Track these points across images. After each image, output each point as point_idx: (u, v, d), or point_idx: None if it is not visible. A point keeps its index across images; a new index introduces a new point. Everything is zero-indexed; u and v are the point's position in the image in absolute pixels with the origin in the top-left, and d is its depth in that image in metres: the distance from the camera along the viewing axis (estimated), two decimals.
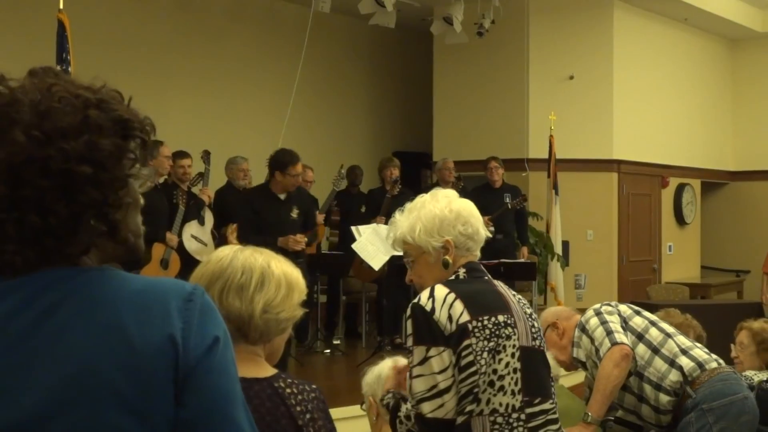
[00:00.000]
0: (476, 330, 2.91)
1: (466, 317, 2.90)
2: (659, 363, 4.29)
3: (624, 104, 13.14)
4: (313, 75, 12.44)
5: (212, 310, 1.62)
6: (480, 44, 12.13)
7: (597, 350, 4.24)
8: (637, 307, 4.57)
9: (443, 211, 3.07)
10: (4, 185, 1.53)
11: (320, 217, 10.41)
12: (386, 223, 10.04)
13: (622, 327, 4.33)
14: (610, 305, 4.49)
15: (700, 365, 4.26)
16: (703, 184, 15.47)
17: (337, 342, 10.44)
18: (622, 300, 9.75)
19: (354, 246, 9.38)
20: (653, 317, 4.51)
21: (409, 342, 2.92)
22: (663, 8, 13.63)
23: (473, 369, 2.90)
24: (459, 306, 2.91)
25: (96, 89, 1.63)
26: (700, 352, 4.34)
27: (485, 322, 2.92)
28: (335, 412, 7.57)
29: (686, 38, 14.61)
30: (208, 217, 9.18)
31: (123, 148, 1.60)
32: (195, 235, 9.06)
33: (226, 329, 1.63)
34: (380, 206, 10.48)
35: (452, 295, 2.93)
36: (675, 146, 14.36)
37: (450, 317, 2.89)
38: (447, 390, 2.89)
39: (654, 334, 4.36)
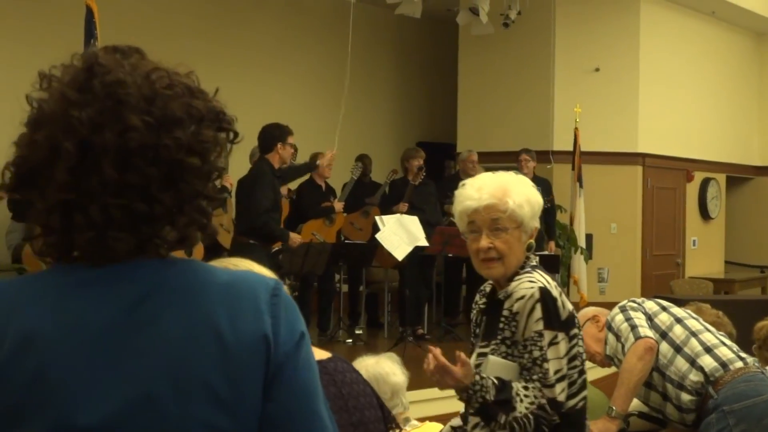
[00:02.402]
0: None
1: (570, 306, 3.05)
2: (680, 362, 4.25)
3: (650, 97, 13.06)
4: (337, 64, 12.42)
5: (294, 305, 1.63)
6: (506, 35, 12.08)
7: (623, 346, 4.23)
8: (665, 303, 4.54)
9: (540, 199, 3.18)
10: (113, 169, 1.50)
11: (339, 206, 10.44)
12: (409, 210, 10.06)
13: (647, 324, 4.31)
14: (635, 302, 4.48)
15: (724, 365, 4.19)
16: (728, 178, 15.37)
17: (359, 332, 10.44)
18: (644, 295, 9.71)
19: (377, 236, 9.37)
20: (682, 313, 4.46)
21: (539, 326, 2.94)
22: (690, 1, 13.54)
23: (577, 361, 3.02)
24: (563, 294, 3.05)
25: (190, 76, 1.63)
26: (726, 350, 4.26)
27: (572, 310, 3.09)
28: None
29: (713, 31, 14.51)
30: (230, 204, 9.20)
31: (219, 140, 1.60)
32: (219, 222, 9.11)
33: (305, 325, 1.64)
34: (403, 195, 10.51)
35: (554, 282, 3.05)
36: (700, 140, 14.28)
37: (563, 304, 3.00)
38: (570, 378, 2.98)
39: (678, 332, 4.32)
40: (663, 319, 4.37)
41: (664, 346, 4.28)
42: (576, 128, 11.83)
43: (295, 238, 8.79)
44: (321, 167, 9.63)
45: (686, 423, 4.27)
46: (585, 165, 11.89)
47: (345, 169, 11.02)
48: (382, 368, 3.82)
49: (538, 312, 2.94)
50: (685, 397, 4.20)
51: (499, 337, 3.01)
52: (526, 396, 2.91)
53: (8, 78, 8.68)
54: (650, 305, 4.46)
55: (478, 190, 3.09)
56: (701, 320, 4.47)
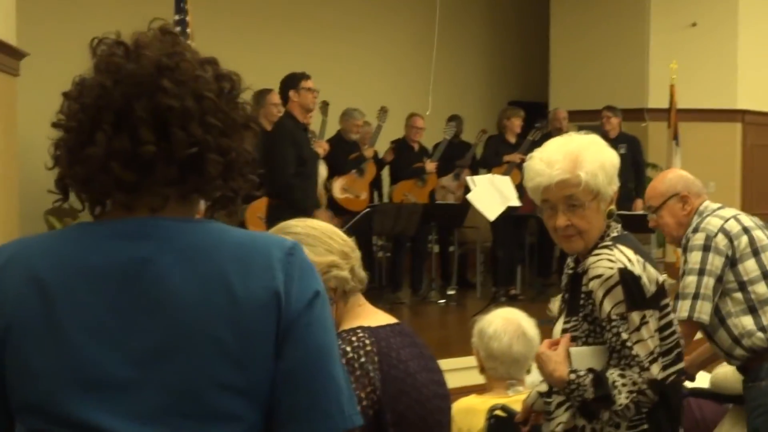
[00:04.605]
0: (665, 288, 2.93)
1: (658, 276, 2.89)
2: (748, 322, 3.97)
3: (749, 52, 12.71)
4: (427, 24, 12.35)
5: (311, 265, 1.64)
6: None
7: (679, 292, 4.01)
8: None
9: (616, 159, 2.97)
10: (150, 132, 1.57)
11: (431, 166, 10.41)
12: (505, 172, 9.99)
13: (712, 289, 3.98)
14: (728, 235, 4.05)
15: None
16: None
17: (452, 292, 10.44)
18: None
19: (469, 196, 9.33)
20: None
21: (621, 308, 2.80)
22: None
23: (673, 328, 2.91)
24: (648, 266, 2.88)
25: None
26: None
27: (659, 279, 2.92)
28: (447, 363, 7.53)
29: None
30: (322, 169, 9.19)
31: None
32: None
33: (323, 285, 1.65)
34: (499, 153, 10.45)
35: (638, 256, 2.88)
36: None
37: (649, 278, 2.85)
38: (663, 351, 2.85)
39: (761, 290, 3.99)
40: (749, 268, 4.03)
41: (738, 296, 4.01)
42: (672, 85, 11.58)
43: (320, 215, 8.31)
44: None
45: (734, 355, 4.04)
46: (681, 123, 11.64)
47: (438, 130, 10.97)
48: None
49: (619, 295, 2.80)
50: (738, 351, 3.99)
51: (581, 313, 2.90)
52: (624, 385, 2.79)
53: None
54: (745, 242, 4.04)
55: (547, 164, 2.89)
56: None
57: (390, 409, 2.53)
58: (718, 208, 4.18)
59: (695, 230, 4.08)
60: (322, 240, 2.58)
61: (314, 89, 7.77)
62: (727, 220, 4.10)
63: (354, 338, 2.55)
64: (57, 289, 1.55)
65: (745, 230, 4.08)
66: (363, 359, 2.52)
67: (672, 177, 4.30)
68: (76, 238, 1.61)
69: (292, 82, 7.70)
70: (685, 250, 4.10)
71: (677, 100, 11.57)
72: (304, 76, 7.71)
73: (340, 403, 1.61)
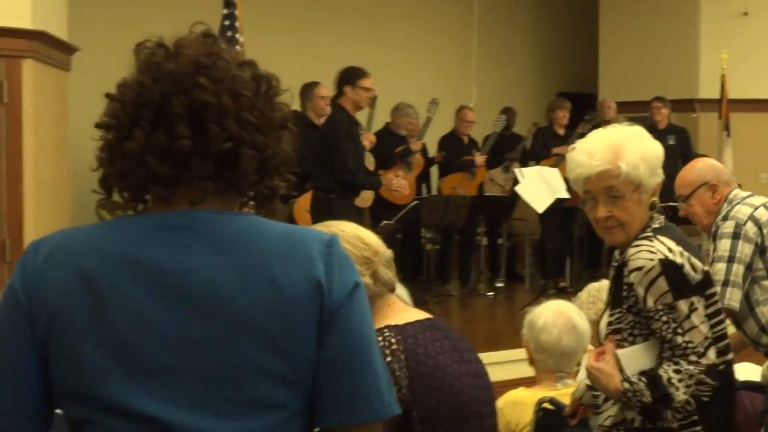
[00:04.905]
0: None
1: (702, 265, 2.86)
2: None
3: None
4: (471, 13, 12.32)
5: (349, 258, 1.68)
6: None
7: None
8: None
9: (660, 150, 2.95)
10: (187, 128, 1.61)
11: (481, 159, 10.38)
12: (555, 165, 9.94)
13: (741, 278, 4.00)
14: (757, 223, 4.09)
15: None
16: None
17: (500, 285, 10.42)
18: None
19: (517, 188, 9.30)
20: None
21: (668, 298, 2.78)
22: None
23: (721, 316, 2.88)
24: (691, 256, 2.85)
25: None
26: None
27: (705, 268, 2.90)
28: (495, 356, 7.57)
29: None
30: (369, 161, 9.20)
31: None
32: None
33: (359, 277, 1.69)
34: (547, 145, 10.41)
35: (680, 247, 2.85)
36: None
37: (693, 266, 2.82)
38: (714, 338, 2.82)
39: None
40: None
41: (766, 284, 4.01)
42: (723, 75, 11.45)
43: (388, 179, 8.26)
44: (385, 186, 8.41)
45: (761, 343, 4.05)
46: (732, 113, 11.50)
47: (487, 122, 10.93)
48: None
49: (663, 285, 2.77)
50: (765, 339, 3.98)
51: (625, 305, 2.87)
52: (680, 380, 2.75)
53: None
54: None
55: (588, 155, 2.88)
56: None
57: (419, 406, 2.55)
58: (748, 196, 4.22)
59: (725, 218, 4.11)
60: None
61: (371, 88, 7.72)
62: (756, 208, 4.14)
63: (380, 338, 2.57)
64: (100, 278, 1.59)
65: None
66: (389, 359, 2.54)
67: (701, 166, 4.31)
68: (118, 229, 1.65)
69: (349, 77, 7.64)
70: (714, 238, 4.12)
71: (728, 91, 11.44)
72: (363, 74, 7.64)
73: (380, 391, 1.65)
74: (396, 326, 2.63)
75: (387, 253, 2.69)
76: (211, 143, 1.60)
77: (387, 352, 2.55)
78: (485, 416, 2.70)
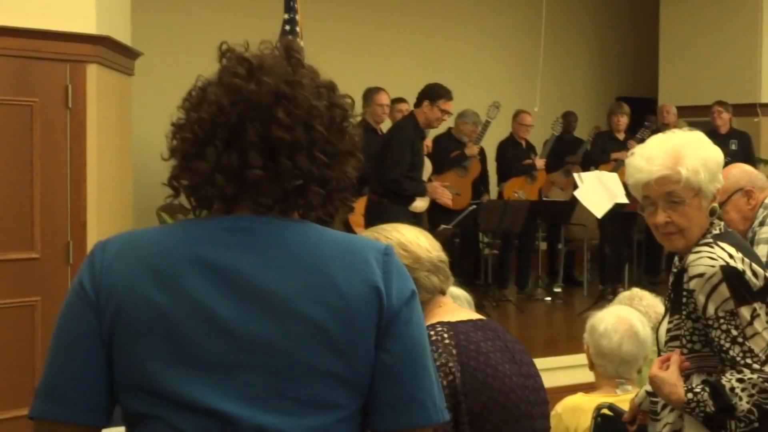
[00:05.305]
0: None
1: (763, 271, 2.82)
2: None
3: None
4: (535, 18, 12.27)
5: (404, 267, 1.73)
6: None
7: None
8: None
9: (720, 156, 2.91)
10: (260, 156, 1.67)
11: (540, 162, 10.34)
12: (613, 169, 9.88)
13: None
14: None
15: None
16: None
17: (558, 290, 10.37)
18: None
19: (576, 193, 9.26)
20: None
21: (729, 305, 2.74)
22: None
23: None
24: (753, 263, 2.81)
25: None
26: None
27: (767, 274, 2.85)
28: (553, 361, 7.51)
29: None
30: (427, 166, 9.19)
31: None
32: None
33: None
34: (606, 150, 10.35)
35: (740, 253, 2.81)
36: None
37: (755, 273, 2.79)
38: None
39: None
40: None
41: None
42: None
43: (433, 187, 8.25)
44: (430, 193, 8.41)
45: None
46: None
47: (546, 126, 10.90)
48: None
49: (725, 292, 2.73)
50: None
51: (684, 311, 2.84)
52: (743, 389, 2.71)
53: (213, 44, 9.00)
54: None
55: (647, 160, 2.86)
56: None
57: (469, 399, 2.57)
58: None
59: (762, 224, 4.09)
60: None
61: (448, 111, 7.83)
62: None
63: (432, 332, 2.60)
64: (165, 276, 1.63)
65: None
66: (441, 351, 2.57)
67: (735, 172, 4.27)
68: (183, 230, 1.70)
69: (431, 94, 7.76)
70: (752, 244, 4.05)
71: None
72: (446, 95, 7.74)
73: (433, 396, 1.70)
74: (449, 323, 2.66)
75: (433, 258, 2.70)
76: (282, 178, 1.66)
77: (440, 346, 2.58)
78: (536, 418, 2.70)
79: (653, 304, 4.19)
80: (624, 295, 4.24)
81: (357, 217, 8.15)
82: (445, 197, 8.28)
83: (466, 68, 12.30)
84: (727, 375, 2.75)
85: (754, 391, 2.71)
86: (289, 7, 7.21)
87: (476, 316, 2.80)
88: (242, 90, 1.66)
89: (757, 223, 4.08)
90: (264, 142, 1.65)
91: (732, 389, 2.72)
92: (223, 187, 1.66)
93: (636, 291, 4.37)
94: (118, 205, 6.84)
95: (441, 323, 2.65)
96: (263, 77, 1.67)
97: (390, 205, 7.47)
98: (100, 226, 6.11)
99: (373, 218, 7.11)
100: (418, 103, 7.82)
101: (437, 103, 7.69)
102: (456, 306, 2.83)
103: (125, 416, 1.68)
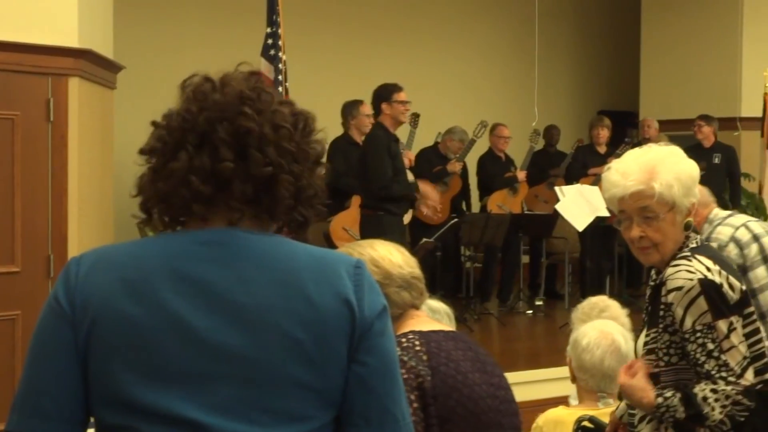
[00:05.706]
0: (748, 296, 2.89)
1: (739, 284, 2.84)
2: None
3: None
4: (515, 31, 12.34)
5: (374, 282, 1.77)
6: None
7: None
8: None
9: (695, 170, 2.94)
10: (231, 152, 1.71)
11: (522, 174, 10.39)
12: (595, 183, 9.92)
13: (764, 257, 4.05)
14: (738, 244, 4.15)
15: None
16: None
17: (540, 303, 10.39)
18: None
19: (557, 206, 9.29)
20: None
21: (707, 318, 2.76)
22: None
23: (759, 335, 2.86)
24: (729, 275, 2.84)
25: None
26: None
27: (743, 287, 2.88)
28: (535, 374, 7.51)
29: None
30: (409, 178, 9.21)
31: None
32: None
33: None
34: (586, 164, 10.39)
35: (718, 266, 2.84)
36: None
37: (731, 286, 2.81)
38: (752, 357, 2.81)
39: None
40: (759, 275, 4.11)
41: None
42: (766, 93, 11.36)
43: (425, 188, 8.26)
44: (419, 207, 8.57)
45: None
46: None
47: (524, 139, 10.94)
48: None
49: (703, 305, 2.76)
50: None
51: (661, 325, 2.86)
52: (716, 400, 2.73)
53: (199, 59, 9.01)
54: (755, 250, 4.11)
55: (622, 175, 2.89)
56: None
57: (439, 403, 2.60)
58: (728, 216, 4.27)
59: (707, 239, 4.11)
60: None
61: (406, 101, 7.76)
62: (737, 229, 4.19)
63: (404, 339, 2.65)
64: (140, 288, 1.65)
65: (756, 238, 4.17)
66: (411, 356, 2.61)
67: None
68: (157, 244, 1.72)
69: (384, 94, 7.70)
70: (738, 245, 4.14)
71: None
72: (396, 88, 7.70)
73: (402, 409, 1.75)
74: (420, 332, 2.71)
75: (405, 274, 2.74)
76: (251, 167, 1.69)
77: (410, 352, 2.62)
78: (507, 428, 2.72)
79: (618, 315, 4.19)
80: (584, 304, 4.26)
81: (339, 231, 8.16)
82: (431, 201, 8.33)
83: (453, 83, 12.35)
84: (702, 384, 2.78)
85: (727, 403, 2.74)
86: (272, 21, 7.22)
87: (447, 327, 2.86)
88: (208, 97, 1.72)
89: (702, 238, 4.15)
90: (233, 138, 1.70)
91: (705, 398, 2.75)
92: (198, 188, 1.68)
93: (598, 300, 4.37)
94: (99, 218, 6.83)
95: (413, 332, 2.70)
96: (228, 83, 1.74)
97: (385, 217, 7.50)
98: (81, 240, 6.10)
99: (369, 231, 7.14)
100: (377, 110, 7.78)
101: (392, 99, 7.65)
102: (428, 318, 2.87)
103: (99, 428, 1.69)
